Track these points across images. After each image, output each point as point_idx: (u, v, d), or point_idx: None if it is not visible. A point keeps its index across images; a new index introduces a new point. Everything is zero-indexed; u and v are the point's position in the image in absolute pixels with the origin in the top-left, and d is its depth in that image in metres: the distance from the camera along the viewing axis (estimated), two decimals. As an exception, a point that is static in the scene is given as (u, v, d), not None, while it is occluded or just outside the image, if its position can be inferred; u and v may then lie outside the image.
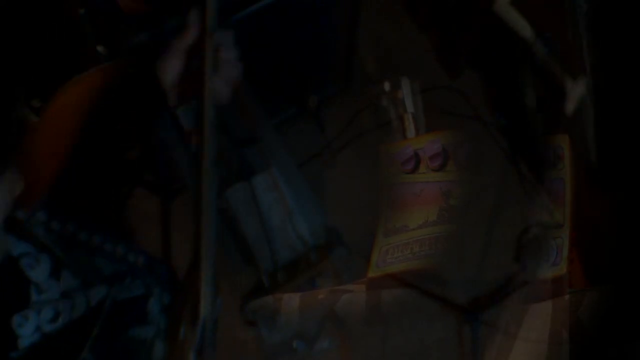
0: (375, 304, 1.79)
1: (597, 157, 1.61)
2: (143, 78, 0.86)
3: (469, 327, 1.87)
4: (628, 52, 1.47)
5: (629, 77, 1.48)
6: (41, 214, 0.85)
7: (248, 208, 1.63)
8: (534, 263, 1.38)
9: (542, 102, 1.80)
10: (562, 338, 1.63)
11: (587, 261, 1.64)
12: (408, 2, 2.26)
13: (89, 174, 0.89)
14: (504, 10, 1.78)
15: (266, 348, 1.78)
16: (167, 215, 1.95)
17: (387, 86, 2.01)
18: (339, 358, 1.87)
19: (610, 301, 1.48)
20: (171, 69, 0.84)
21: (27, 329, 0.79)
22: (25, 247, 0.84)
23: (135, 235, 1.03)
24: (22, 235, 0.83)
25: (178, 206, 1.99)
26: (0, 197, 0.77)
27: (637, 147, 1.53)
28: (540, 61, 1.73)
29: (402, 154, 1.98)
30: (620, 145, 1.57)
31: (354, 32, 1.96)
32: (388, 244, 1.96)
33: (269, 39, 1.75)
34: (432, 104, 2.14)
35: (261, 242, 1.62)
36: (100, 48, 1.54)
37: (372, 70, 2.18)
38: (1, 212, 0.77)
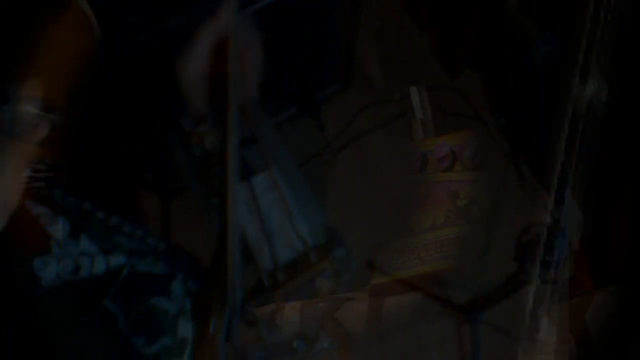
0: (377, 311, 1.79)
1: (606, 158, 1.61)
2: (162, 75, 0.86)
3: (469, 327, 1.87)
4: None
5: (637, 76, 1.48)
6: (57, 190, 0.87)
7: (248, 208, 1.63)
8: (534, 263, 1.38)
9: (544, 101, 1.80)
10: (565, 340, 1.63)
11: (594, 264, 1.64)
12: (408, 2, 2.26)
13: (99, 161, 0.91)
14: (511, 13, 1.78)
15: (266, 348, 1.78)
16: (167, 215, 1.95)
17: (397, 96, 2.02)
18: (339, 358, 1.87)
19: (618, 303, 1.48)
20: (192, 69, 0.84)
21: (48, 273, 0.82)
22: (43, 209, 0.86)
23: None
24: (40, 199, 0.86)
25: (178, 206, 1.99)
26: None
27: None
28: (541, 61, 1.73)
29: (410, 154, 1.99)
30: (630, 146, 1.57)
31: (354, 32, 1.96)
32: (393, 249, 1.96)
33: (269, 39, 1.75)
34: (432, 104, 2.14)
35: (261, 242, 1.62)
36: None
37: (372, 71, 2.18)
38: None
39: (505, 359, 1.88)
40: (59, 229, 0.87)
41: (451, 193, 2.03)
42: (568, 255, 1.25)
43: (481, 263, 1.95)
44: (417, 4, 2.22)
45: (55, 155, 0.85)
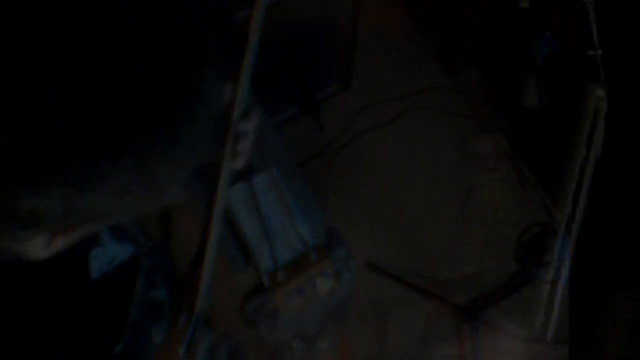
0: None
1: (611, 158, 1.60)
2: None
3: (469, 327, 1.87)
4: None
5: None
6: None
7: (248, 208, 1.62)
8: (534, 263, 1.38)
9: (544, 102, 1.80)
10: (565, 340, 1.63)
11: (611, 266, 1.65)
12: (408, 2, 2.26)
13: None
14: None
15: (266, 348, 1.78)
16: (167, 215, 1.94)
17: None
18: (339, 358, 1.87)
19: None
20: None
21: (97, 263, 0.82)
22: None
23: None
24: None
25: (178, 206, 1.99)
26: None
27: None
28: (541, 61, 1.73)
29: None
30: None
31: (354, 31, 1.96)
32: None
33: (269, 39, 1.75)
34: (432, 104, 2.15)
35: (261, 242, 1.62)
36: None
37: (372, 70, 2.18)
38: None
39: (505, 359, 1.88)
40: None
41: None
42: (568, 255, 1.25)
43: (480, 263, 1.95)
44: (417, 3, 2.22)
45: None
